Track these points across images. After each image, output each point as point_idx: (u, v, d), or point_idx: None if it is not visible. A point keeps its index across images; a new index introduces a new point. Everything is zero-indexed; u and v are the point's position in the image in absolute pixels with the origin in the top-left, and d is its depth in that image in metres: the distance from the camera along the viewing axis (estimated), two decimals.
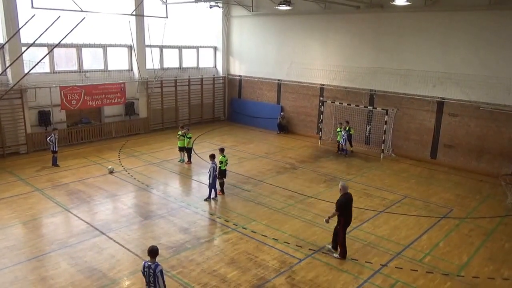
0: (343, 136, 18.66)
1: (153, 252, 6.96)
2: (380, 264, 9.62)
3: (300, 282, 8.85)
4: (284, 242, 10.58)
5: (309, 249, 10.25)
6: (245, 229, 11.28)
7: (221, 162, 13.54)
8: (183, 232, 10.99)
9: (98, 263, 9.38)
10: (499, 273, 9.44)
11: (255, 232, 11.07)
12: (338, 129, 19.19)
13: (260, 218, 11.97)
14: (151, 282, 6.85)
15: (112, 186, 14.26)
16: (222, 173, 13.66)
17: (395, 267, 9.53)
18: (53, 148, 16.14)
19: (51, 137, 16.13)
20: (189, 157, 17.07)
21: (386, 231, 11.42)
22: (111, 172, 15.53)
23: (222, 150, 13.93)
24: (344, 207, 9.65)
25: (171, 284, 8.68)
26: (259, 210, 12.55)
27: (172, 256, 9.76)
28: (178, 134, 17.15)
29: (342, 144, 18.91)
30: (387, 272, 9.32)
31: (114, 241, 10.44)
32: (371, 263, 9.68)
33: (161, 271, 6.85)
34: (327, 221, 9.81)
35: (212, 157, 13.29)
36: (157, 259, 9.52)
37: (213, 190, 13.22)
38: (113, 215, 12.03)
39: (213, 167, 12.97)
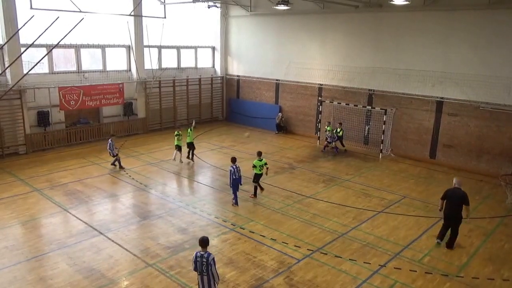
0: (327, 134, 19.16)
1: (203, 242, 7.15)
2: (379, 265, 9.61)
3: (299, 282, 8.84)
4: (283, 242, 10.57)
5: (308, 249, 10.24)
6: (243, 229, 11.27)
7: (254, 166, 13.27)
8: (181, 232, 10.98)
9: (97, 263, 9.37)
10: (499, 274, 9.43)
11: (253, 232, 11.06)
12: (328, 128, 19.39)
13: (258, 218, 11.96)
14: (204, 271, 7.06)
15: (110, 186, 14.25)
16: (256, 177, 13.44)
17: (394, 268, 9.52)
18: (113, 154, 16.10)
19: (109, 145, 16.09)
20: (192, 154, 17.13)
21: (385, 231, 11.41)
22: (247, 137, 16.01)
23: (259, 154, 13.55)
24: (446, 196, 10.36)
25: (169, 284, 8.69)
26: (257, 210, 12.54)
27: (170, 256, 9.75)
28: (177, 134, 17.18)
29: (329, 143, 19.20)
30: (385, 273, 9.31)
31: (113, 241, 10.42)
32: (370, 263, 9.67)
33: (213, 259, 7.07)
34: (440, 210, 10.58)
35: (233, 160, 12.90)
36: (156, 259, 9.63)
37: (235, 194, 12.88)
38: (112, 215, 12.01)
39: (230, 170, 12.58)
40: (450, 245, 10.49)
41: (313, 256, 9.93)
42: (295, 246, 10.39)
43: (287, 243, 10.51)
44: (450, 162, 17.65)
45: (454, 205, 10.22)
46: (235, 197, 12.89)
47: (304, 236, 10.96)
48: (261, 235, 10.90)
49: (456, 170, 17.09)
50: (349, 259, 9.82)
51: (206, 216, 12.06)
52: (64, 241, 10.34)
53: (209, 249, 10.02)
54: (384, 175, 16.41)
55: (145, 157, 17.90)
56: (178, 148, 17.13)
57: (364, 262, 9.70)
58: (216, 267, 7.12)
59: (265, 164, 13.35)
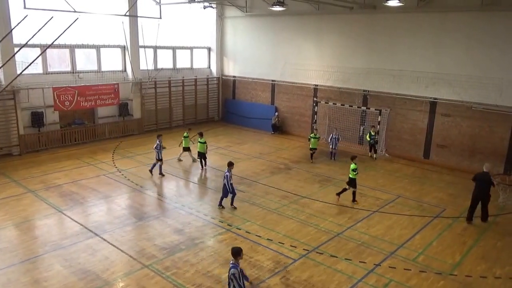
0: (330, 139, 18.39)
1: (232, 252, 7.19)
2: (374, 264, 9.68)
3: (295, 282, 8.88)
4: (279, 242, 10.61)
5: (304, 249, 10.28)
6: (240, 229, 11.29)
7: (353, 170, 13.10)
8: (177, 233, 10.98)
9: (92, 265, 9.34)
10: (491, 272, 9.54)
11: (249, 233, 11.08)
12: (312, 135, 18.23)
13: (254, 219, 11.99)
14: (228, 279, 7.06)
15: (105, 188, 14.20)
16: (353, 182, 13.29)
17: (389, 267, 9.59)
18: (158, 156, 15.32)
19: (157, 145, 15.31)
20: (204, 163, 16.59)
21: (380, 230, 11.49)
22: None
23: (353, 158, 13.39)
24: (475, 179, 12.16)
25: (165, 285, 8.69)
26: (254, 211, 12.57)
27: (166, 257, 9.75)
28: (186, 136, 17.08)
29: (334, 148, 18.49)
30: (380, 272, 9.38)
31: (108, 242, 10.40)
32: (365, 262, 9.73)
33: (233, 274, 6.87)
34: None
35: (229, 164, 12.53)
36: (152, 260, 9.62)
37: (223, 198, 12.65)
38: (107, 217, 11.98)
39: (227, 176, 12.29)
40: (484, 218, 12.17)
41: (309, 256, 9.97)
42: (291, 246, 10.43)
43: (283, 243, 10.54)
44: (443, 162, 17.79)
45: (482, 187, 11.89)
46: (221, 200, 12.70)
47: (300, 236, 11.00)
48: (257, 236, 10.93)
49: (449, 169, 17.24)
50: (345, 259, 9.88)
51: (202, 217, 12.07)
52: (59, 243, 10.30)
53: (206, 249, 10.15)
54: (378, 175, 16.50)
55: (141, 158, 17.86)
56: (187, 149, 17.09)
57: (359, 262, 9.76)
58: (237, 282, 6.87)
59: (353, 169, 13.13)
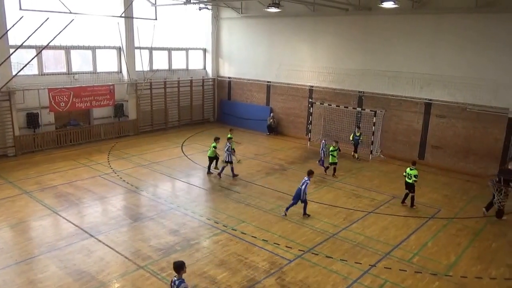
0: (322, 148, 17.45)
1: (175, 266, 6.73)
2: (369, 265, 9.72)
3: (290, 283, 8.90)
4: (274, 243, 10.63)
5: (299, 250, 10.31)
6: (235, 230, 11.30)
7: (415, 176, 12.92)
8: (172, 234, 10.97)
9: (87, 266, 9.32)
10: (486, 273, 9.60)
11: (245, 234, 11.09)
12: (332, 148, 16.22)
13: (250, 219, 12.00)
14: None
15: (101, 189, 14.16)
16: (406, 186, 13.15)
17: (384, 268, 9.63)
18: (229, 159, 14.99)
19: (228, 147, 14.99)
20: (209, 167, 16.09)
21: (375, 231, 11.54)
22: None
23: (413, 163, 13.17)
24: (498, 173, 13.02)
25: (161, 286, 8.68)
26: (249, 211, 12.58)
27: (161, 258, 9.74)
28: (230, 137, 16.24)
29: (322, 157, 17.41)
30: (376, 273, 9.42)
31: (103, 243, 10.38)
32: (361, 263, 9.77)
33: None
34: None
35: (310, 173, 12.31)
36: (148, 261, 9.60)
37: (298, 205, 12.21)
38: (102, 218, 11.95)
39: (307, 183, 12.06)
40: (497, 215, 12.65)
41: (305, 257, 10.00)
42: (286, 247, 10.45)
43: (279, 244, 10.56)
44: (438, 163, 17.88)
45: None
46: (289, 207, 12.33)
47: (296, 236, 11.02)
48: (252, 236, 10.94)
49: (444, 170, 17.33)
50: (340, 259, 9.91)
51: (197, 218, 12.06)
52: (54, 244, 10.27)
53: (201, 250, 10.15)
54: (374, 176, 16.56)
55: (136, 159, 17.82)
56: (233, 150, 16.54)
57: (354, 262, 9.79)
58: None
59: (415, 175, 12.89)
